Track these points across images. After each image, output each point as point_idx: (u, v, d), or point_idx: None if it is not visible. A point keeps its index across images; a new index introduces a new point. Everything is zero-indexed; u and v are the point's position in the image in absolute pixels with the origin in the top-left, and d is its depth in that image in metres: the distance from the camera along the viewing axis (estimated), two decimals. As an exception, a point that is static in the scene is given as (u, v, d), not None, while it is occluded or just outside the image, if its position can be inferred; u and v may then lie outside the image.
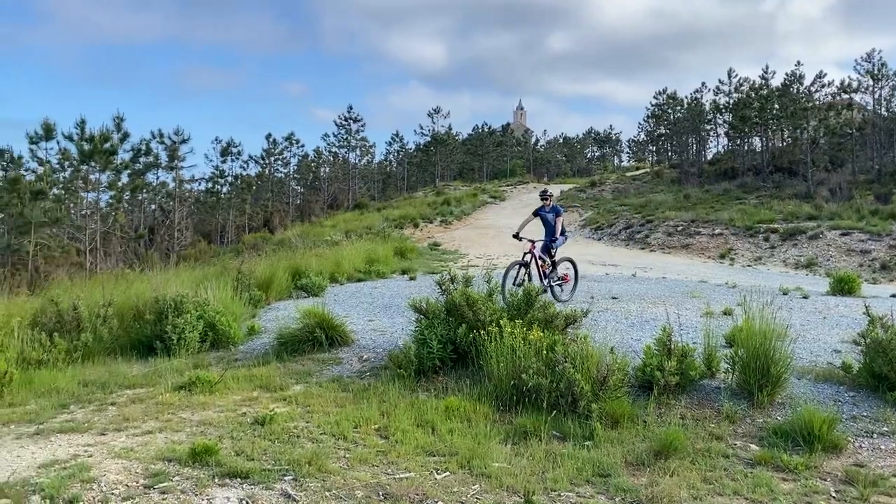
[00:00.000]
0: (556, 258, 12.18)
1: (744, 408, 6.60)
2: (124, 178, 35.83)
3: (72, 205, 33.07)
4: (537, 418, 6.26)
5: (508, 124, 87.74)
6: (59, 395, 7.28)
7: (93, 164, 31.79)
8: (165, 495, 4.58)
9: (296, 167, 64.21)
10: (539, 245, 11.97)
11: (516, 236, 12.01)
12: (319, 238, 24.63)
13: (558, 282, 12.20)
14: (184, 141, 43.73)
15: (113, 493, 4.59)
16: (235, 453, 5.43)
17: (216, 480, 4.88)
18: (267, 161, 59.53)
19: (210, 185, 53.66)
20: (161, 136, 43.23)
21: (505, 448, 5.83)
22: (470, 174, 72.47)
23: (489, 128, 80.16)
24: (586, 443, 5.92)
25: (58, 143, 32.68)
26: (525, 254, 11.65)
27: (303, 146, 63.02)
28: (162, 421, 6.34)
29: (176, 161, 43.71)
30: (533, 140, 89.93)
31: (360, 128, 64.07)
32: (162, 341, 9.38)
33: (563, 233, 12.29)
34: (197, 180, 51.38)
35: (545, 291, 10.66)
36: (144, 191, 42.60)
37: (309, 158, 66.73)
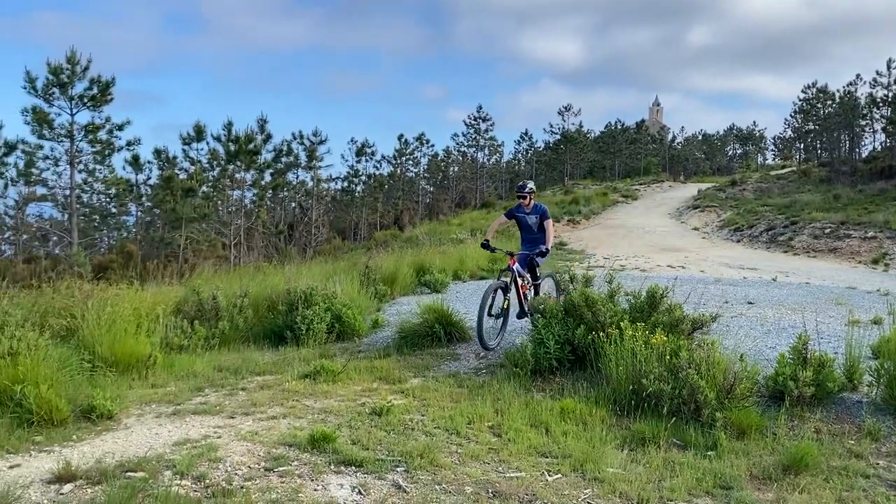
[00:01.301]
0: (540, 276, 9.49)
1: (889, 425, 6.06)
2: (267, 177, 37.93)
3: (219, 202, 35.33)
4: (656, 425, 6.02)
5: (643, 121, 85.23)
6: (195, 378, 7.78)
7: (238, 163, 33.84)
8: (284, 479, 4.77)
9: (426, 167, 65.47)
10: (519, 258, 9.23)
11: (487, 245, 9.42)
12: (445, 236, 24.96)
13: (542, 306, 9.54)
14: (322, 142, 45.75)
15: (236, 474, 4.84)
16: (352, 442, 5.58)
17: (332, 467, 5.04)
18: (399, 161, 61.05)
19: (345, 184, 55.75)
20: (301, 137, 45.46)
21: (621, 454, 5.65)
22: (601, 173, 71.08)
23: (622, 125, 78.29)
24: (708, 453, 5.63)
25: (207, 143, 35.14)
26: (503, 271, 8.99)
27: (433, 146, 64.24)
28: (286, 407, 6.63)
29: (314, 161, 45.75)
30: (669, 137, 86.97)
31: (489, 127, 64.38)
32: (292, 331, 9.83)
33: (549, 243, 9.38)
34: (333, 179, 53.55)
35: (524, 316, 9.05)
36: (285, 189, 44.80)
37: (439, 158, 67.85)
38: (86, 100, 27.59)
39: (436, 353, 8.92)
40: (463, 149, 67.01)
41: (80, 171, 29.82)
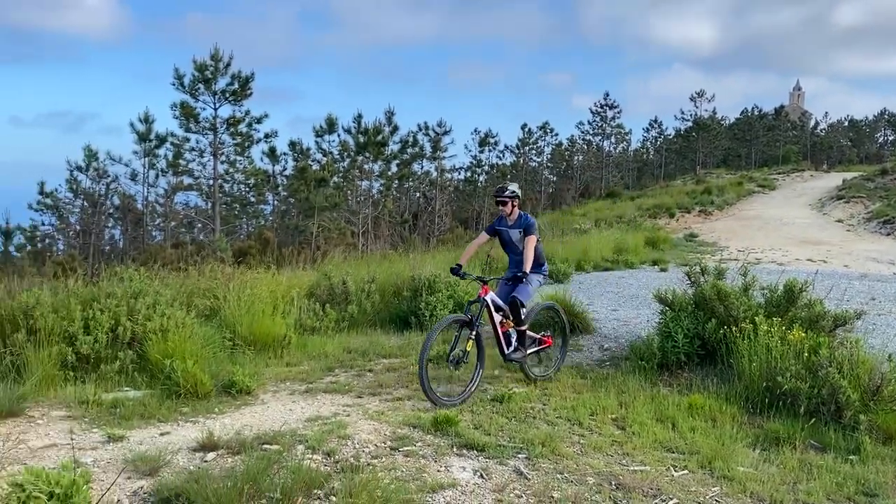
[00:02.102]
0: (527, 313, 7.00)
1: None
2: (393, 168, 38.85)
3: (348, 192, 36.57)
4: (792, 425, 5.72)
5: (782, 107, 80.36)
6: (326, 359, 8.12)
7: (367, 154, 34.87)
8: (408, 458, 4.91)
9: (549, 156, 64.78)
10: (500, 287, 7.08)
11: (456, 270, 6.97)
12: (568, 226, 24.65)
13: (533, 349, 7.21)
14: (446, 132, 46.29)
15: (364, 451, 5.03)
16: (474, 426, 5.66)
17: (454, 450, 5.14)
18: (521, 150, 60.76)
19: (468, 174, 56.20)
20: (426, 128, 46.18)
21: (752, 453, 5.41)
22: (735, 161, 67.74)
23: (759, 111, 74.23)
24: (850, 457, 5.29)
25: (338, 135, 36.38)
26: (471, 303, 6.78)
27: (557, 135, 63.31)
28: (411, 389, 6.80)
29: (438, 151, 46.39)
30: (811, 123, 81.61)
31: (615, 115, 62.82)
32: (416, 317, 10.06)
33: (539, 265, 7.08)
34: (456, 170, 54.09)
35: (513, 361, 7.02)
36: (410, 179, 45.68)
37: (562, 147, 66.92)
38: (228, 95, 29.29)
39: (559, 344, 8.85)
40: (588, 137, 65.79)
41: (222, 163, 31.77)
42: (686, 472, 4.97)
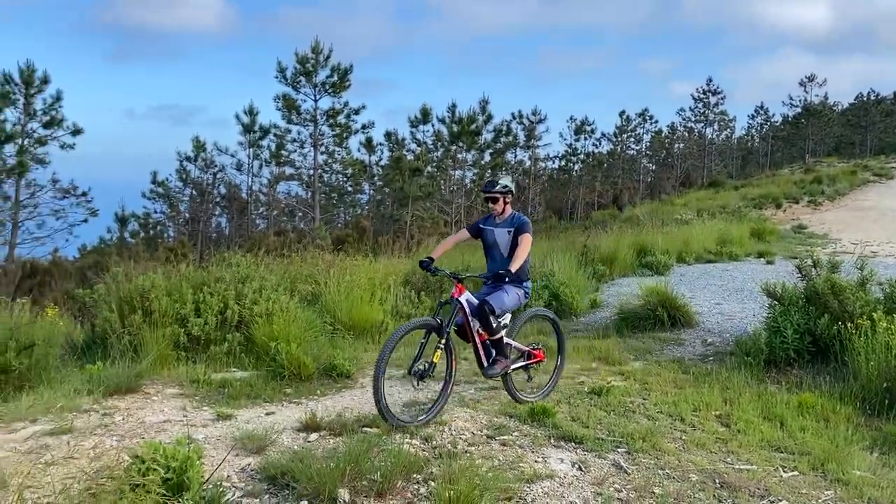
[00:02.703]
0: (504, 324, 5.73)
1: None
2: (486, 157, 38.81)
3: (442, 181, 36.82)
4: (915, 429, 5.36)
5: (902, 91, 75.10)
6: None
7: (460, 144, 34.98)
8: (505, 447, 4.90)
9: (648, 144, 63.06)
10: (483, 289, 5.90)
11: (426, 264, 5.81)
12: (668, 216, 23.94)
13: (519, 363, 6.06)
14: (540, 121, 45.85)
15: (460, 438, 5.05)
16: (571, 418, 5.59)
17: (551, 441, 5.09)
18: (619, 138, 59.42)
19: (563, 162, 55.47)
20: (520, 116, 45.86)
21: (870, 456, 5.11)
22: (848, 149, 63.94)
23: (877, 96, 69.68)
24: (982, 466, 4.91)
25: (433, 125, 36.62)
26: (442, 304, 5.71)
27: (656, 122, 61.50)
28: (506, 380, 6.78)
29: (532, 140, 46.02)
30: (934, 108, 75.90)
31: (719, 101, 60.43)
32: (512, 306, 10.02)
33: (522, 280, 5.80)
34: (551, 158, 53.50)
35: (493, 375, 5.73)
36: (503, 168, 45.52)
37: (662, 134, 64.98)
38: (327, 87, 30.01)
39: (658, 337, 8.63)
40: (689, 124, 63.62)
41: (321, 153, 32.63)
42: (796, 473, 4.75)
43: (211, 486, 3.68)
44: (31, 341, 6.09)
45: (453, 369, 5.56)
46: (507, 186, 5.79)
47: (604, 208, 46.01)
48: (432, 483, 4.11)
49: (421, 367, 5.27)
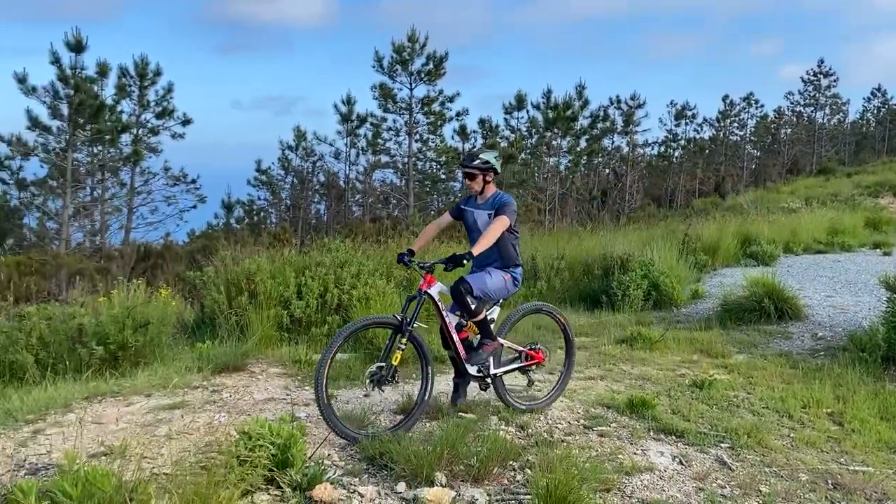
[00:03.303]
0: (488, 315, 5.08)
1: None
2: (582, 144, 38.16)
3: (536, 168, 36.48)
4: None
5: None
6: (516, 334, 8.10)
7: (555, 130, 34.53)
8: (603, 438, 4.82)
9: (752, 129, 60.36)
10: (458, 280, 5.01)
11: (402, 257, 5.06)
12: (774, 204, 22.89)
13: (513, 366, 5.34)
14: (639, 106, 44.67)
15: (557, 427, 5.01)
16: (671, 411, 5.45)
17: (651, 434, 4.97)
18: (722, 124, 57.16)
19: (662, 148, 53.85)
20: (618, 101, 44.82)
21: None
22: (977, 133, 59.16)
23: None
24: None
25: (527, 112, 36.28)
26: (410, 299, 4.82)
27: (762, 106, 58.71)
28: (603, 369, 6.68)
29: (630, 126, 44.91)
30: None
31: (831, 83, 57.16)
32: (607, 296, 9.85)
33: (509, 265, 5.14)
34: (649, 145, 52.04)
35: (469, 379, 5.14)
36: (600, 155, 44.69)
37: (768, 119, 62.03)
38: (423, 75, 30.22)
39: (764, 330, 8.28)
40: (798, 108, 60.46)
41: (416, 141, 32.91)
42: (919, 478, 4.45)
43: (313, 463, 3.79)
44: (146, 320, 6.45)
45: (429, 374, 4.80)
46: (488, 162, 5.05)
47: (705, 196, 44.44)
48: (529, 471, 4.09)
49: (376, 374, 4.52)
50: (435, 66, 30.06)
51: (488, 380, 5.12)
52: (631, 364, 6.92)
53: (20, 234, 27.67)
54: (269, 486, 3.56)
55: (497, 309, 5.21)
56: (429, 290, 4.84)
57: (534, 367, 5.48)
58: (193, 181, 29.06)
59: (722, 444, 4.82)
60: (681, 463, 4.48)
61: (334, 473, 3.89)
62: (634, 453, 4.60)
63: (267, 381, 6.02)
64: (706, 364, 6.92)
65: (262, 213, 40.08)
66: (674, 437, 4.92)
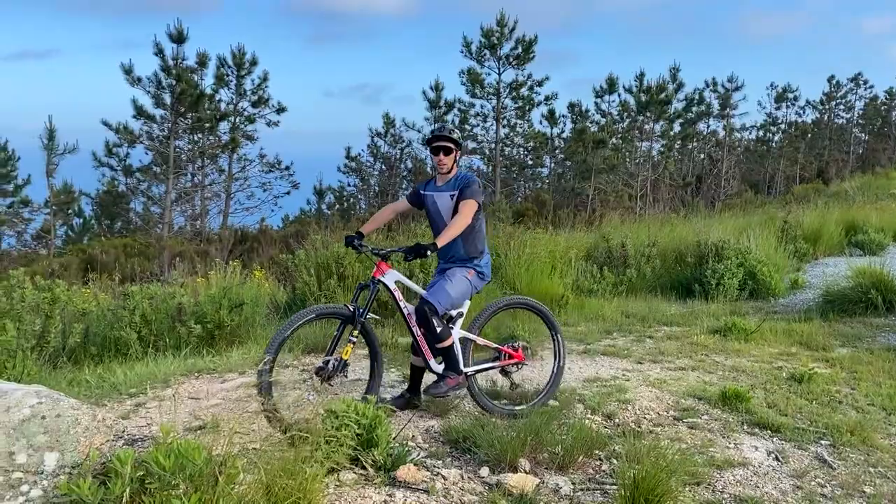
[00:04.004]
0: (454, 316, 4.65)
1: None
2: (676, 128, 36.98)
3: (627, 153, 35.63)
4: None
5: None
6: (604, 321, 8.03)
7: (648, 114, 33.60)
8: (693, 431, 4.67)
9: (860, 112, 56.96)
10: (420, 301, 4.55)
11: (351, 240, 4.68)
12: (883, 191, 21.56)
13: (486, 365, 4.87)
14: (737, 88, 42.82)
15: (644, 418, 4.88)
16: (767, 405, 5.22)
17: (745, 427, 4.78)
18: (826, 106, 54.22)
19: (761, 133, 51.55)
20: (714, 84, 43.13)
21: None
22: None
23: None
24: None
25: (619, 95, 35.44)
26: (361, 287, 4.43)
27: (871, 87, 55.31)
28: (695, 360, 6.47)
29: (727, 109, 43.17)
30: None
31: (951, 61, 53.05)
32: (700, 284, 9.53)
33: (472, 255, 4.70)
34: (747, 129, 49.92)
35: (439, 396, 4.57)
36: (694, 140, 43.24)
37: (878, 101, 58.38)
38: (511, 59, 29.97)
39: (870, 323, 7.83)
40: (913, 89, 56.58)
41: (503, 127, 32.72)
42: None
43: (398, 444, 3.83)
44: (240, 301, 6.68)
45: (380, 364, 4.47)
46: (458, 141, 4.63)
47: (806, 182, 42.36)
48: (615, 461, 4.01)
49: (325, 368, 4.13)
50: (524, 50, 29.74)
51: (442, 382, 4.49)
52: (724, 355, 6.67)
53: (127, 218, 29.24)
54: (355, 466, 3.62)
55: (467, 303, 4.73)
56: (382, 279, 4.44)
57: (513, 366, 4.98)
58: (287, 168, 29.88)
59: (822, 441, 4.58)
60: (777, 459, 4.29)
61: (418, 455, 3.92)
62: (727, 447, 4.43)
63: (354, 362, 6.12)
64: (805, 357, 6.59)
65: (351, 199, 40.85)
66: (769, 431, 4.72)
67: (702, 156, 47.69)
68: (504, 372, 5.00)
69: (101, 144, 25.35)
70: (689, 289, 9.70)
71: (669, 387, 5.58)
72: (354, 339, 4.24)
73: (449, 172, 4.65)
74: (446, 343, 4.48)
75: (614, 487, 3.61)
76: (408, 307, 4.52)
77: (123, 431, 2.49)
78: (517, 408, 4.77)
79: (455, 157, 4.64)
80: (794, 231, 12.48)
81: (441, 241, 4.32)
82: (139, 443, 2.38)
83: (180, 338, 6.46)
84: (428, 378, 4.77)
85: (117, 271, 11.86)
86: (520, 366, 5.04)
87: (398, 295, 4.48)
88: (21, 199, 25.97)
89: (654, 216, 20.38)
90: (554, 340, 5.15)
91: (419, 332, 4.48)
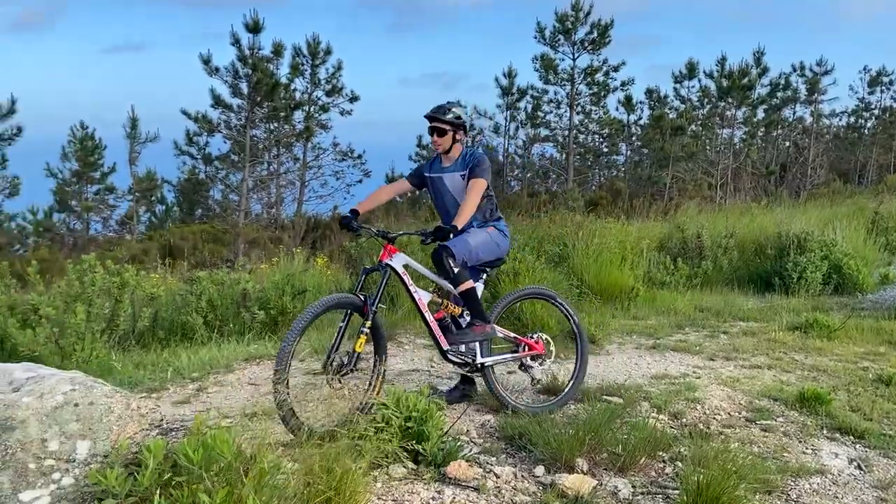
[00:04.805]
0: (460, 275, 4.31)
1: None
2: (759, 114, 35.54)
3: (707, 140, 34.46)
4: None
5: None
6: (675, 315, 7.71)
7: (730, 100, 32.37)
8: (767, 434, 4.39)
9: (966, 95, 53.30)
10: (433, 256, 4.41)
11: (348, 221, 4.49)
12: None
13: (505, 356, 4.67)
14: (826, 73, 40.77)
15: (714, 418, 4.62)
16: (850, 409, 4.86)
17: (824, 432, 4.46)
18: (925, 90, 50.93)
19: (852, 119, 48.96)
20: (801, 68, 41.17)
21: None
22: None
23: None
24: None
25: (699, 81, 34.25)
26: (367, 272, 4.30)
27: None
28: (772, 358, 6.12)
29: (815, 94, 41.17)
30: None
31: None
32: (780, 278, 9.07)
33: (490, 216, 4.57)
34: (837, 115, 47.49)
35: (457, 364, 4.44)
36: (779, 126, 41.48)
37: None
38: (586, 44, 29.35)
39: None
40: None
41: (577, 113, 32.11)
42: None
43: (450, 438, 3.72)
44: (303, 287, 6.69)
45: (384, 354, 4.15)
46: (460, 118, 4.43)
47: (902, 171, 40.02)
48: (679, 463, 3.79)
49: (337, 361, 3.91)
50: (599, 35, 29.07)
51: (469, 369, 4.42)
52: (804, 353, 6.28)
53: (207, 206, 30.12)
54: (405, 459, 3.53)
55: (481, 286, 4.56)
56: (391, 263, 4.21)
57: (532, 359, 4.72)
58: (359, 156, 30.13)
59: (911, 451, 4.22)
60: (859, 467, 3.97)
61: (470, 451, 3.80)
62: (803, 452, 4.13)
63: (414, 351, 6.05)
64: (895, 357, 6.14)
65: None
66: (852, 437, 4.39)
67: (787, 143, 45.69)
68: (523, 366, 4.75)
69: (181, 133, 26.18)
70: (769, 282, 9.23)
71: (743, 386, 5.28)
72: (366, 331, 3.98)
73: (450, 153, 4.50)
74: (466, 285, 4.30)
75: (676, 493, 3.40)
76: (419, 292, 4.32)
77: (161, 420, 2.45)
78: (537, 405, 4.56)
79: (453, 136, 4.44)
80: (886, 223, 11.75)
81: (459, 223, 4.18)
82: (174, 433, 2.35)
83: (244, 323, 6.53)
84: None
85: (193, 256, 12.20)
86: (539, 358, 4.75)
87: (408, 279, 4.28)
88: (106, 187, 27.06)
89: (734, 206, 19.59)
90: (575, 334, 4.85)
91: (431, 319, 4.31)
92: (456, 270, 4.26)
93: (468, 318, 4.40)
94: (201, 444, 1.99)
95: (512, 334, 4.72)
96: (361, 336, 3.96)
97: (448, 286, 4.42)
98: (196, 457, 1.96)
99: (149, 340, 6.34)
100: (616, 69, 30.45)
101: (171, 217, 30.40)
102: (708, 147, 34.27)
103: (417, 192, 4.89)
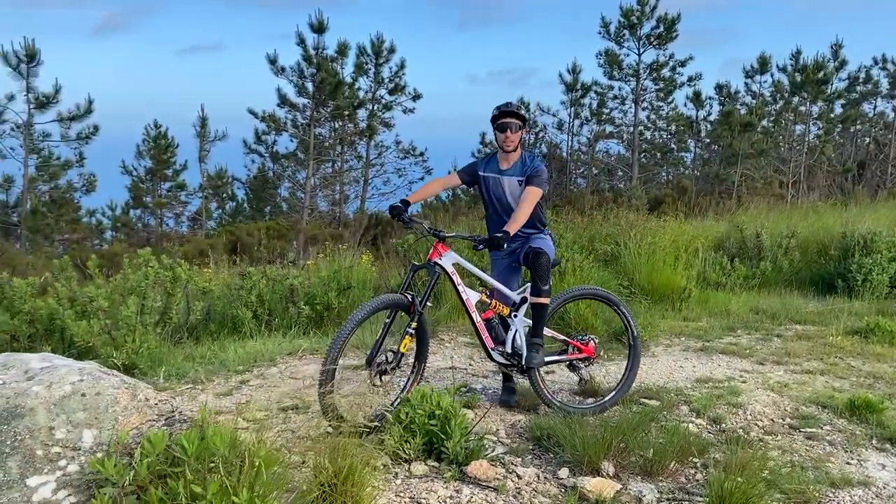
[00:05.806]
0: (536, 295, 4.32)
1: None
2: (837, 109, 34.13)
3: (779, 137, 33.29)
4: None
5: None
6: (728, 317, 7.49)
7: (804, 95, 31.19)
8: (811, 442, 4.23)
9: None
10: (494, 263, 4.71)
11: (399, 212, 4.29)
12: None
13: (554, 357, 4.63)
14: (910, 65, 38.80)
15: (756, 424, 4.48)
16: (904, 418, 4.64)
17: (873, 442, 4.27)
18: None
19: (939, 113, 46.48)
20: (884, 61, 39.29)
21: None
22: None
23: None
24: None
25: (772, 75, 33.15)
26: (416, 269, 4.27)
27: None
28: (826, 363, 5.88)
29: (899, 88, 39.24)
30: None
31: None
32: (844, 280, 8.71)
33: (542, 223, 4.55)
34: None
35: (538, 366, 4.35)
36: (858, 122, 39.73)
37: None
38: (652, 39, 28.75)
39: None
40: None
41: (643, 109, 31.51)
42: None
43: (474, 437, 3.71)
44: (348, 283, 6.79)
45: (424, 357, 4.15)
46: (525, 117, 4.41)
47: None
48: (711, 470, 3.69)
49: (381, 361, 3.87)
50: (666, 29, 28.44)
51: (515, 370, 4.37)
52: (862, 359, 6.02)
53: (275, 203, 30.86)
54: (427, 457, 3.55)
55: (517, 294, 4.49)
56: (440, 262, 4.14)
57: (582, 361, 4.69)
58: (422, 154, 30.32)
59: (966, 465, 4.00)
60: (906, 481, 3.79)
61: (494, 451, 3.78)
62: (847, 463, 3.97)
63: (454, 349, 6.07)
64: (960, 366, 5.83)
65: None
66: (902, 449, 4.19)
67: (867, 140, 43.71)
68: (572, 367, 4.73)
69: (250, 132, 26.89)
70: (831, 284, 8.87)
71: (790, 391, 5.10)
72: (412, 331, 3.96)
73: (513, 154, 4.43)
74: (545, 300, 4.29)
75: (702, 500, 3.31)
76: (467, 292, 4.26)
77: (173, 411, 2.53)
78: (583, 406, 4.51)
79: (518, 136, 4.38)
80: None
81: (512, 229, 4.11)
82: (180, 424, 2.43)
83: (291, 318, 6.66)
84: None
85: (258, 252, 12.52)
86: (588, 361, 4.72)
87: (457, 279, 4.22)
88: (178, 184, 28.04)
89: (804, 205, 18.88)
90: (630, 343, 4.75)
91: (478, 319, 4.26)
92: (550, 282, 4.28)
93: (516, 319, 4.38)
94: (197, 436, 2.05)
95: (561, 336, 4.68)
96: (406, 337, 3.95)
97: (505, 289, 4.43)
98: (191, 449, 2.02)
99: (201, 333, 6.54)
100: (683, 64, 29.76)
101: (241, 213, 31.28)
102: (781, 144, 33.10)
103: (470, 189, 4.74)
